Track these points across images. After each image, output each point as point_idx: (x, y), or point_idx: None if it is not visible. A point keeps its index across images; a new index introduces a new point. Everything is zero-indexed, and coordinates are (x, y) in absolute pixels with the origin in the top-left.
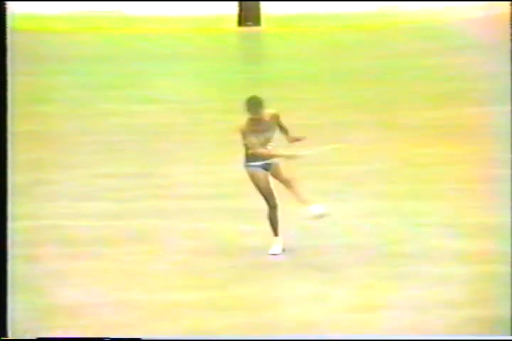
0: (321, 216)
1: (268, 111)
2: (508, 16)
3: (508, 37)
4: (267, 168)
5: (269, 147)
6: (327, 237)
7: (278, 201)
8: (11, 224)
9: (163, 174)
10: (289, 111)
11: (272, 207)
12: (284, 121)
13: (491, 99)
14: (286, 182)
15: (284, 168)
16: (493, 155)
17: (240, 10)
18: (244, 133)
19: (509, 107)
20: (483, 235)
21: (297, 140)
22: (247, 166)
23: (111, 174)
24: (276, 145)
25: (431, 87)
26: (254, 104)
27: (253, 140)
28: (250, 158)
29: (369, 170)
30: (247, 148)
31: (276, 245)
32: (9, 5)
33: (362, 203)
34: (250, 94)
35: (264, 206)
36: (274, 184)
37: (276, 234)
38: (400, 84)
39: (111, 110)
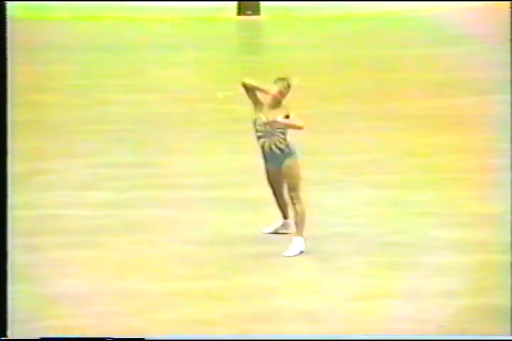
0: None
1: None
2: (507, 5)
3: (507, 26)
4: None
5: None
6: (326, 227)
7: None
8: (9, 214)
9: (161, 164)
10: (288, 101)
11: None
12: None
13: (491, 89)
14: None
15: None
16: (493, 145)
17: None
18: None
19: (509, 96)
20: (483, 225)
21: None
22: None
23: (109, 163)
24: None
25: (430, 76)
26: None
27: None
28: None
29: (368, 160)
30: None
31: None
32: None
33: (360, 193)
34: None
35: (262, 195)
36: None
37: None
38: (399, 74)
39: (109, 99)
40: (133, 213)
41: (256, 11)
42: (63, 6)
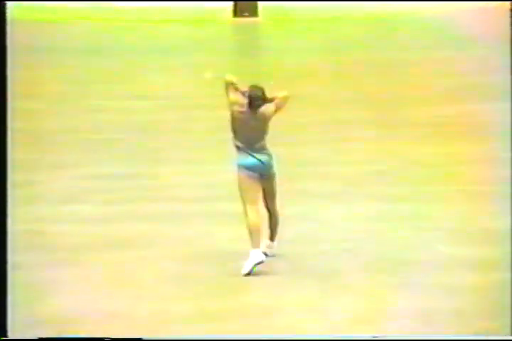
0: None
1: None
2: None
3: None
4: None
5: None
6: (326, 242)
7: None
8: None
9: (152, 175)
10: (287, 108)
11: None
12: (281, 118)
13: (504, 95)
14: (269, 210)
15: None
16: (505, 155)
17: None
18: None
19: None
20: (496, 241)
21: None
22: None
23: (97, 175)
24: None
25: (439, 81)
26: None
27: None
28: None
29: (371, 171)
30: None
31: (252, 259)
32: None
33: (363, 206)
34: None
35: (261, 210)
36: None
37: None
38: (406, 79)
39: (98, 106)
40: (122, 228)
41: (253, 13)
42: (50, 8)
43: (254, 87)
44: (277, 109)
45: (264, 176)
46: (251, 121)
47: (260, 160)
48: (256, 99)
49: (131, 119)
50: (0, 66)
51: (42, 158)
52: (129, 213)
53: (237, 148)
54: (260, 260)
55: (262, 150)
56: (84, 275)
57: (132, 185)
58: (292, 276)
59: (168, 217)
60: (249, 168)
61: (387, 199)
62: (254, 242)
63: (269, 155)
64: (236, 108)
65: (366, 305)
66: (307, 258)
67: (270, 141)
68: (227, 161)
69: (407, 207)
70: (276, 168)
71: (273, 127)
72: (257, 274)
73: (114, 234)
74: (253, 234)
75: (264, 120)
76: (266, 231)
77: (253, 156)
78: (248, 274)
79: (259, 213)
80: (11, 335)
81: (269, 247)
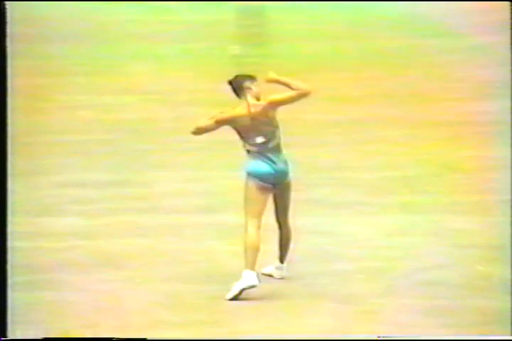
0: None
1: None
2: None
3: None
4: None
5: None
6: (345, 261)
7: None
8: None
9: (142, 182)
10: (300, 104)
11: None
12: (291, 117)
13: None
14: (280, 225)
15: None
16: None
17: None
18: None
19: None
20: None
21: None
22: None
23: (78, 182)
24: None
25: (474, 73)
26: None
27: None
28: None
29: (398, 177)
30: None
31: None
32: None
33: (390, 218)
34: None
35: (264, 221)
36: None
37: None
38: (435, 70)
39: (77, 102)
40: (107, 244)
41: None
42: None
43: (239, 76)
44: (281, 102)
45: (278, 186)
46: (254, 122)
47: (275, 169)
48: (238, 84)
49: (116, 117)
50: None
51: (13, 164)
52: (114, 227)
53: (248, 152)
54: (251, 284)
55: (278, 151)
56: (63, 299)
57: (119, 193)
58: (305, 300)
59: (161, 231)
60: (261, 177)
61: (415, 211)
62: (249, 262)
63: (285, 161)
64: (233, 124)
65: (392, 333)
66: (322, 279)
67: None
68: (228, 165)
69: (437, 219)
70: (291, 176)
71: (282, 127)
72: (264, 297)
73: (99, 252)
74: (249, 252)
75: (267, 115)
76: (272, 249)
77: (268, 163)
78: (233, 299)
79: (259, 229)
80: (11, 335)
81: (278, 269)
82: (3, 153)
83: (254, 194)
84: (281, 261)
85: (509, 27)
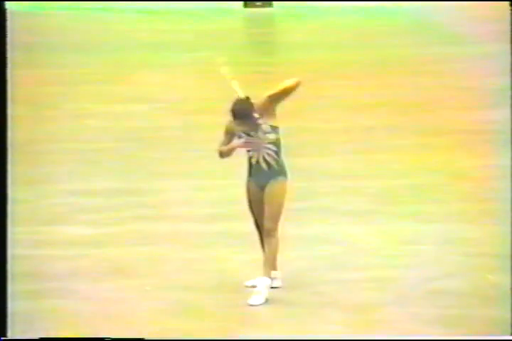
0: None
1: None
2: None
3: None
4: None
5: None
6: (354, 270)
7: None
8: None
9: (150, 190)
10: (309, 112)
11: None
12: (299, 124)
13: None
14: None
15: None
16: None
17: None
18: None
19: None
20: None
21: None
22: None
23: (86, 191)
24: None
25: (483, 81)
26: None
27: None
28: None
29: (408, 186)
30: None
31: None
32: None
33: (399, 227)
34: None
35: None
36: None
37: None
38: (446, 78)
39: (86, 111)
40: (116, 253)
41: (267, 2)
42: None
43: (238, 101)
44: (275, 98)
45: (264, 188)
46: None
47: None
48: (239, 113)
49: (124, 126)
50: None
51: (22, 172)
52: (123, 235)
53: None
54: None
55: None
56: (72, 307)
57: (128, 202)
58: (314, 308)
59: (169, 239)
60: (251, 179)
61: (425, 219)
62: (275, 265)
63: (277, 160)
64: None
65: None
66: (332, 289)
67: (286, 150)
68: (237, 174)
69: (446, 228)
70: (286, 176)
71: (289, 134)
72: (272, 306)
73: (107, 260)
74: (275, 258)
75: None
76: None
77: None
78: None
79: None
80: (11, 335)
81: (273, 276)
82: (3, 161)
83: (285, 197)
84: (274, 268)
85: None
